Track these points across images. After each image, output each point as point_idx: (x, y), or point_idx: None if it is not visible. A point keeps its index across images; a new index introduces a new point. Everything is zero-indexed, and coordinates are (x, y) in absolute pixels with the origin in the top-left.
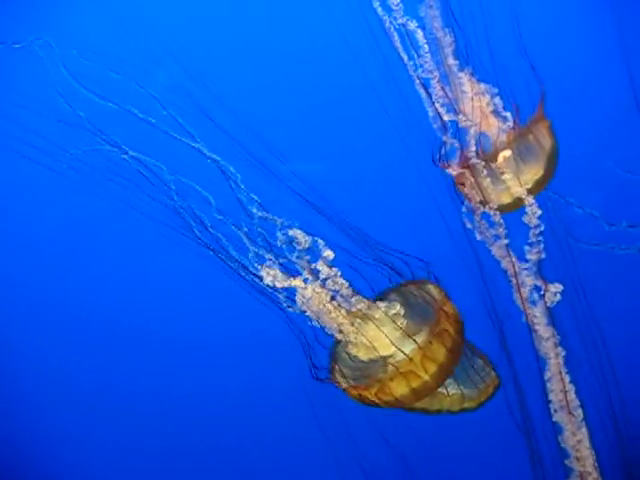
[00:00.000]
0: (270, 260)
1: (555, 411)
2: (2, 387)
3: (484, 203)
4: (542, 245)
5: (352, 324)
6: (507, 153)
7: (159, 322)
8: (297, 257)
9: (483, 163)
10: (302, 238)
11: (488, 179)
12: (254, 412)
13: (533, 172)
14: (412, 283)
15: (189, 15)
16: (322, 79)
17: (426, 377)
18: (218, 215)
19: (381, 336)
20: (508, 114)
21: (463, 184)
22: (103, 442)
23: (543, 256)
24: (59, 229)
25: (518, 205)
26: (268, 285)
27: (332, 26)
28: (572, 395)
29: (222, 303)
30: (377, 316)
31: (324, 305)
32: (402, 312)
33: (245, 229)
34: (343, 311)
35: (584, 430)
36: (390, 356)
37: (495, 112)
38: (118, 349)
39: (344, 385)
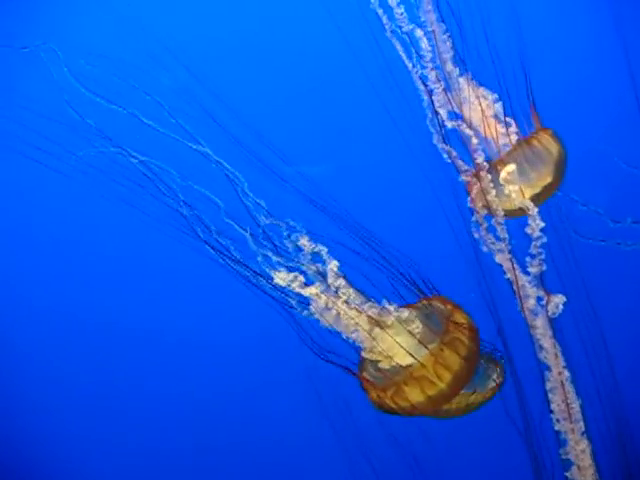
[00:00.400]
0: (281, 265)
1: (557, 421)
2: (2, 388)
3: (490, 213)
4: (543, 256)
5: (368, 333)
6: (510, 168)
7: (166, 324)
8: (307, 266)
9: (489, 176)
10: (309, 247)
11: (494, 191)
12: (264, 413)
13: (542, 178)
14: (424, 298)
15: (195, 19)
16: (326, 81)
17: (442, 385)
18: (226, 219)
19: (396, 345)
20: (511, 120)
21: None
22: (113, 443)
23: (544, 268)
24: (65, 231)
25: (524, 212)
26: (276, 287)
27: (336, 30)
28: (575, 406)
29: (231, 306)
30: (389, 323)
31: (338, 313)
32: (413, 316)
33: (250, 234)
34: (361, 320)
35: (586, 440)
36: (409, 366)
37: (497, 117)
38: (129, 353)
39: (368, 382)
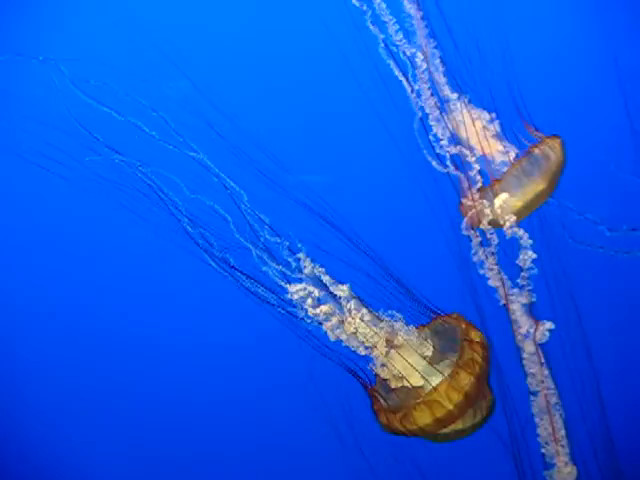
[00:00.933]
0: (282, 276)
1: (547, 444)
2: (2, 390)
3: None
4: (532, 287)
5: (381, 353)
6: (504, 196)
7: (169, 330)
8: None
9: (485, 202)
10: (312, 269)
11: (490, 216)
12: (269, 418)
13: (536, 184)
14: (438, 316)
15: (199, 31)
16: (326, 94)
17: (450, 406)
18: (228, 226)
19: (408, 365)
20: (507, 143)
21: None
22: (113, 447)
23: (534, 300)
24: (72, 238)
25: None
26: (284, 299)
27: (335, 48)
28: (561, 430)
29: (236, 313)
30: (400, 343)
31: (351, 332)
32: (425, 336)
33: (254, 246)
34: (373, 339)
35: (571, 464)
36: (420, 387)
37: (495, 136)
38: (134, 358)
39: (378, 405)
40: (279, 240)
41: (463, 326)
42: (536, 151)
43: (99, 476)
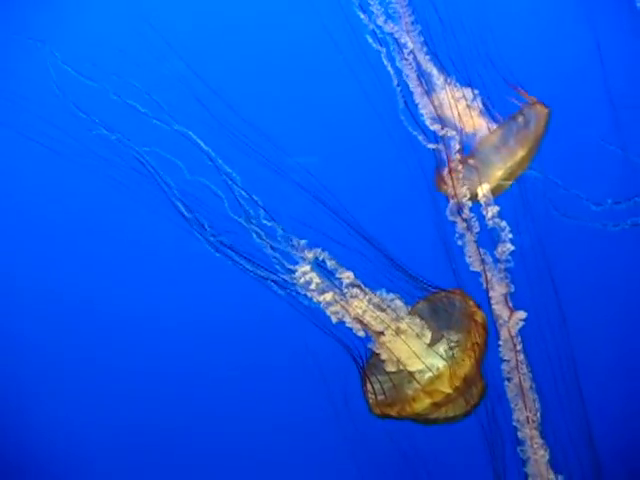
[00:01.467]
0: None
1: (522, 426)
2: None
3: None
4: (509, 279)
5: (382, 339)
6: (485, 187)
7: (166, 307)
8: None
9: (468, 192)
10: (312, 254)
11: (469, 203)
12: (267, 394)
13: (515, 152)
14: (442, 291)
15: (195, 14)
16: (316, 78)
17: (450, 391)
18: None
19: (409, 350)
20: (491, 120)
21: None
22: (110, 430)
23: (512, 289)
24: (66, 217)
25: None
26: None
27: (325, 34)
28: (536, 414)
29: (238, 293)
30: (400, 327)
31: (355, 315)
32: (425, 312)
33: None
34: (375, 324)
35: (544, 449)
36: (419, 371)
37: (481, 112)
38: (132, 338)
39: (372, 400)
40: (278, 225)
41: (470, 303)
42: (519, 118)
43: (104, 454)
